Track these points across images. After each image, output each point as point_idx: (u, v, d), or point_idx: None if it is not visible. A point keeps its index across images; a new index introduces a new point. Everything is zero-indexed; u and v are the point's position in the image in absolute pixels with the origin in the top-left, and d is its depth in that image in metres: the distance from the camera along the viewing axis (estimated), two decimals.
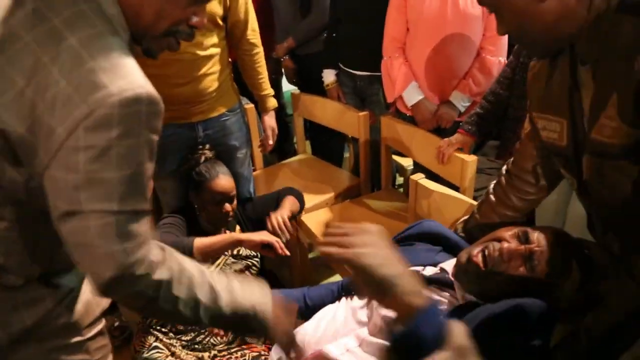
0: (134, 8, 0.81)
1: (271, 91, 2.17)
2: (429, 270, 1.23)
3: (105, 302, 1.11)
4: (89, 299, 1.06)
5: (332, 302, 1.32)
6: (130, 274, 0.80)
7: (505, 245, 1.08)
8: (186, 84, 1.85)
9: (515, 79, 1.77)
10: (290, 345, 1.05)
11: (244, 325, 0.96)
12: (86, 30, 0.76)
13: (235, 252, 1.88)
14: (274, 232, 1.80)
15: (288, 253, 1.72)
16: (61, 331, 0.99)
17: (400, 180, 3.20)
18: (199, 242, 1.64)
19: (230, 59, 2.03)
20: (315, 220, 2.21)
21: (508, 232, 1.11)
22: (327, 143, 3.10)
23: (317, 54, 2.73)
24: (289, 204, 1.98)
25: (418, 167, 2.25)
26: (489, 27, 1.98)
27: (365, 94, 2.52)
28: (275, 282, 2.08)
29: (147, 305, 0.86)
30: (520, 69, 1.75)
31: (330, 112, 2.55)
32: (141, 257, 0.81)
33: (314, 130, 3.05)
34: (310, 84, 2.81)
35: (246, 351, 1.76)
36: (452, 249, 1.31)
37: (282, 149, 3.24)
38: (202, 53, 1.83)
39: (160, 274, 0.84)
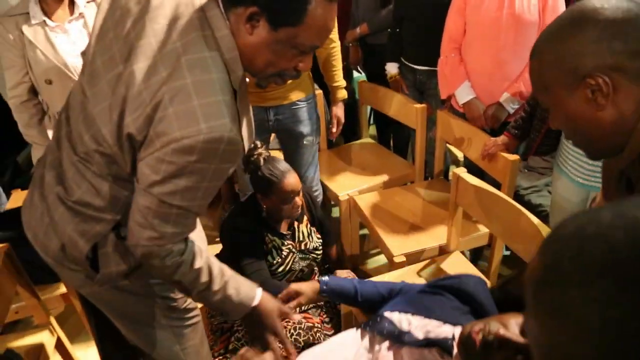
0: (248, 56, 1.01)
1: (343, 83, 2.33)
2: (443, 331, 1.21)
3: None
4: None
5: (380, 304, 1.40)
6: (158, 254, 1.08)
7: (502, 331, 1.00)
8: None
9: None
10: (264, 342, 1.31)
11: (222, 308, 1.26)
12: (202, 75, 0.96)
13: (302, 247, 2.01)
14: None
15: None
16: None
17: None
18: None
19: None
20: (366, 202, 2.42)
21: (516, 319, 1.03)
22: (393, 131, 3.27)
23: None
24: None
25: (468, 161, 2.39)
26: None
27: (424, 87, 2.67)
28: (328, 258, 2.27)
29: (161, 273, 1.15)
30: None
31: (391, 102, 2.70)
32: (176, 248, 1.10)
33: (382, 117, 3.20)
34: (377, 73, 2.96)
35: (303, 320, 1.92)
36: (479, 315, 1.27)
37: (350, 131, 3.44)
38: None
39: (186, 258, 1.13)
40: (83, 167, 1.12)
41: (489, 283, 1.87)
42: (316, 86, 2.62)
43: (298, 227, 2.03)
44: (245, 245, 1.87)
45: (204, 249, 1.21)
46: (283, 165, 1.82)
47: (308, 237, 2.05)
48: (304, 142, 2.28)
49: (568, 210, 1.94)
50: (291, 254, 1.98)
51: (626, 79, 0.83)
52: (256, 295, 1.28)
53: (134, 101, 0.98)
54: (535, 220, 1.55)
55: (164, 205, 1.02)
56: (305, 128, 2.25)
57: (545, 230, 1.50)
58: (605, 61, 0.83)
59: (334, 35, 2.20)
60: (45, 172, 1.21)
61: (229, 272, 1.24)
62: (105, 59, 1.06)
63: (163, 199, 1.01)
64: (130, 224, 1.09)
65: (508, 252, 2.47)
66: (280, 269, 1.95)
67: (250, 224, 1.89)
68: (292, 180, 1.80)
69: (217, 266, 1.20)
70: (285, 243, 1.97)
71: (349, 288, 1.51)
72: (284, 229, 1.99)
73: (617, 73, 0.83)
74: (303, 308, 1.98)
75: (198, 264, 1.15)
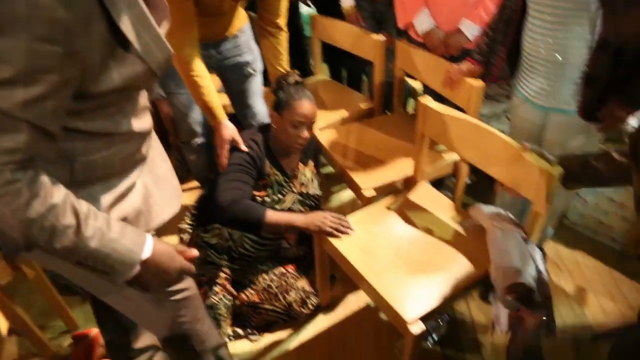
0: None
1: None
2: None
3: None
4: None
5: None
6: None
7: None
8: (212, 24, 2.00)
9: (504, 3, 1.79)
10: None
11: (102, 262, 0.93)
12: None
13: (303, 189, 1.98)
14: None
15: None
16: None
17: (412, 102, 3.29)
18: (271, 216, 1.68)
19: None
20: (327, 138, 2.38)
21: None
22: (345, 65, 3.19)
23: None
24: None
25: (428, 90, 2.37)
26: None
27: (384, 18, 2.59)
28: None
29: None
30: None
31: (347, 35, 2.61)
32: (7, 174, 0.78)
33: (332, 53, 3.10)
34: (328, 7, 2.87)
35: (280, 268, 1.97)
36: None
37: (300, 70, 3.32)
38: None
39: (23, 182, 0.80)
40: None
41: (453, 208, 1.89)
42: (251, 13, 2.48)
43: (302, 170, 2.00)
44: (242, 163, 1.79)
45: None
46: (307, 93, 1.84)
47: (310, 182, 2.02)
48: (250, 71, 2.22)
49: (528, 132, 1.97)
50: (292, 194, 1.95)
51: None
52: (146, 239, 0.99)
53: None
54: (510, 141, 1.53)
55: None
56: (248, 56, 2.20)
57: (520, 150, 1.49)
58: None
59: (284, 23, 2.07)
60: None
61: (104, 214, 0.94)
62: None
63: None
64: None
65: (469, 181, 2.53)
66: (278, 206, 1.91)
67: (257, 146, 1.84)
68: (308, 106, 1.80)
69: (86, 205, 0.91)
70: (288, 181, 1.94)
71: None
72: (288, 167, 1.95)
73: None
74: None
75: (55, 199, 0.84)
